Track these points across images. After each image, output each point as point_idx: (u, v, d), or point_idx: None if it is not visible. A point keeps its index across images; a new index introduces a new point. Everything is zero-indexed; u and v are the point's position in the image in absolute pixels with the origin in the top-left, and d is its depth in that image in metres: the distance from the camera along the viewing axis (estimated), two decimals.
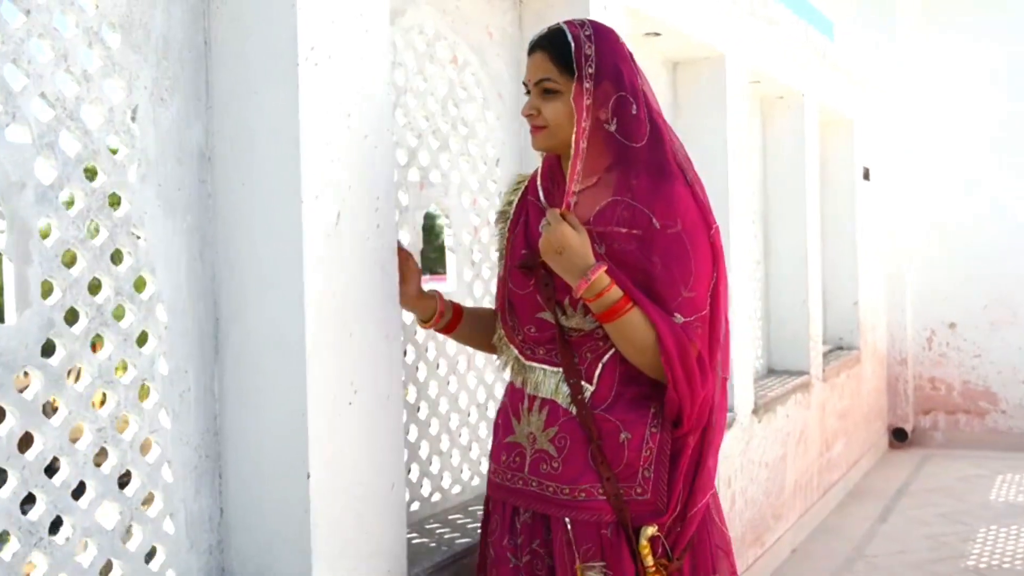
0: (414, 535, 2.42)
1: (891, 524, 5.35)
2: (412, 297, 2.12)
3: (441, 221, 2.74)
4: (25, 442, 1.60)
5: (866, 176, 6.74)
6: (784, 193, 5.37)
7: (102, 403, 1.74)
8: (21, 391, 1.59)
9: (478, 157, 2.83)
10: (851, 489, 6.08)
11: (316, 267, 1.85)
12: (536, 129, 1.92)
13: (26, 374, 1.61)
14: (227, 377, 1.94)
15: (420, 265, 2.27)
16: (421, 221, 2.57)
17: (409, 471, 2.53)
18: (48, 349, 1.64)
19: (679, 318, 1.83)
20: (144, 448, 1.82)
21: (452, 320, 2.17)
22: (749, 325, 4.40)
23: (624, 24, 3.14)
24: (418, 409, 2.57)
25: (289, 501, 1.86)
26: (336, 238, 1.90)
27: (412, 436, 2.53)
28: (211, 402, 1.94)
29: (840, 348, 6.42)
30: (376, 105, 2.02)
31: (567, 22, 1.91)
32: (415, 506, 2.57)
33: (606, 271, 1.82)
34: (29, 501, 1.59)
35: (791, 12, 4.98)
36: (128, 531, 1.78)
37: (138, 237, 1.80)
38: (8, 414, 1.58)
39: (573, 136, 1.86)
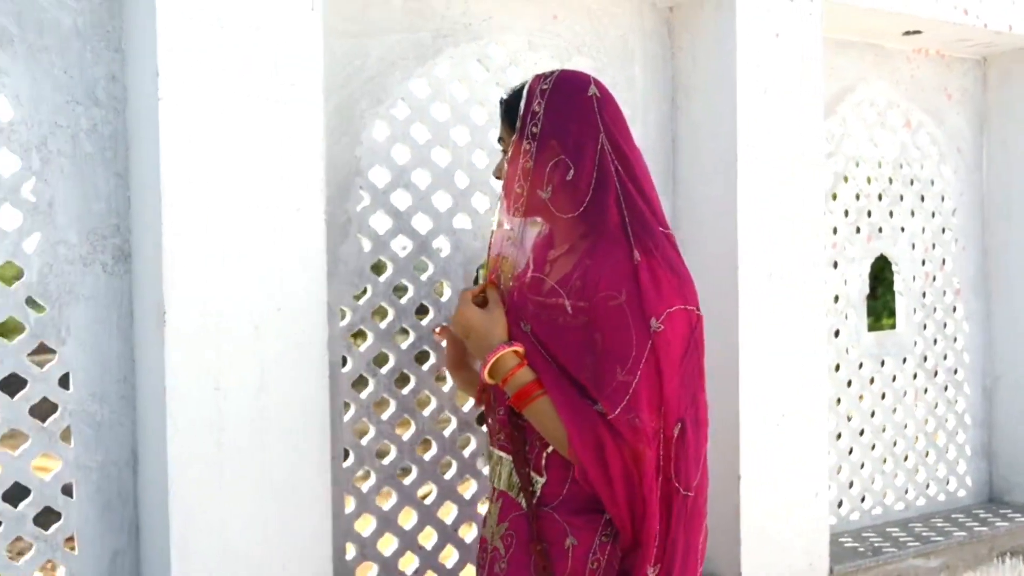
0: (848, 540, 2.85)
1: None
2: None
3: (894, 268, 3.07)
4: None
5: None
6: None
7: None
8: None
9: (932, 209, 3.11)
10: None
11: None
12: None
13: None
14: None
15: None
16: (868, 269, 2.95)
17: (851, 485, 2.96)
18: None
19: (601, 408, 1.56)
20: None
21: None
22: None
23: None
24: (861, 433, 2.95)
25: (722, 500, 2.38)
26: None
27: (855, 457, 2.94)
28: None
29: None
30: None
31: (537, 75, 1.76)
32: (855, 515, 2.99)
33: (518, 351, 1.66)
34: None
35: None
36: None
37: None
38: None
39: (501, 196, 1.76)
